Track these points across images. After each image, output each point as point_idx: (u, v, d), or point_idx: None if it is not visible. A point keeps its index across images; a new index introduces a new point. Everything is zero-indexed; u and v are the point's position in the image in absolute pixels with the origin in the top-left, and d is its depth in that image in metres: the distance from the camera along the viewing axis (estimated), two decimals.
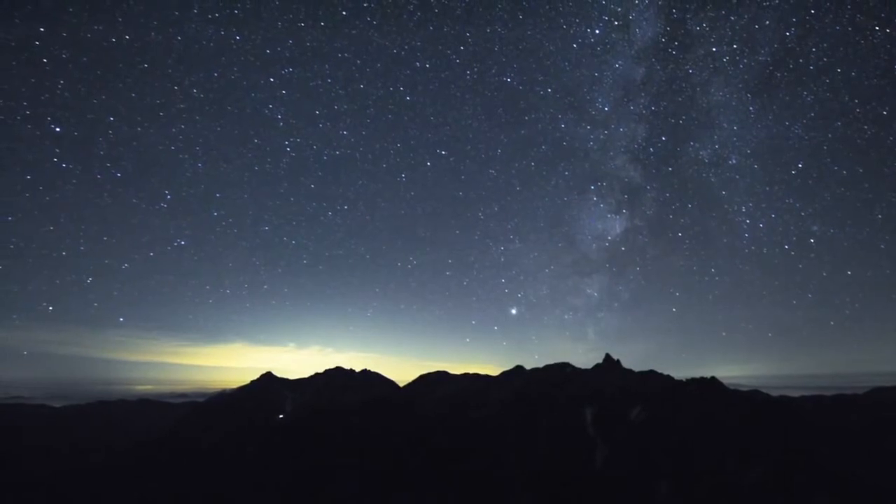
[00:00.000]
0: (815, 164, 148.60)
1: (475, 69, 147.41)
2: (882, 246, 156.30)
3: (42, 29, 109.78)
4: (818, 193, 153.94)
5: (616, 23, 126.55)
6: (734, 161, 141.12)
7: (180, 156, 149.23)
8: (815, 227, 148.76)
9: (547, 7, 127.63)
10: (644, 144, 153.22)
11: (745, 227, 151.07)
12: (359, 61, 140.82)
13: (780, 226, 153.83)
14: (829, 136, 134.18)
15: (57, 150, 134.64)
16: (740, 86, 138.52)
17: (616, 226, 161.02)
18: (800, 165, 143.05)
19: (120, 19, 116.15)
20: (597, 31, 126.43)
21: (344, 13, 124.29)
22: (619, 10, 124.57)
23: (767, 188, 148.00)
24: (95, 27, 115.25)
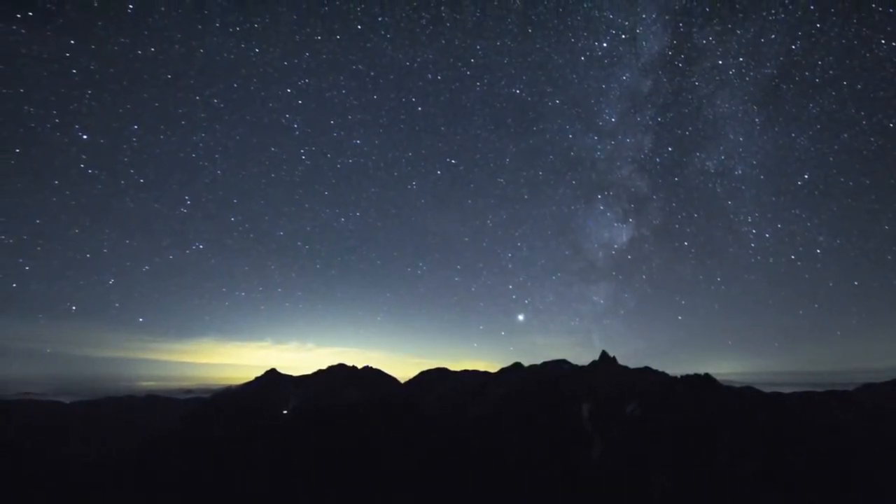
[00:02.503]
0: (821, 175, 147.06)
1: (485, 81, 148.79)
2: (889, 257, 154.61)
3: (72, 42, 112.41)
4: (824, 204, 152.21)
5: (623, 36, 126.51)
6: (740, 172, 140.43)
7: (200, 163, 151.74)
8: (821, 238, 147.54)
9: (556, 21, 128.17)
10: (650, 155, 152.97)
11: (751, 236, 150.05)
12: (372, 73, 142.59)
13: (786, 236, 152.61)
14: (836, 147, 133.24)
15: (83, 157, 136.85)
16: (746, 98, 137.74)
17: (622, 234, 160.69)
18: (806, 176, 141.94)
19: (146, 32, 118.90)
20: (604, 45, 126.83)
21: (359, 27, 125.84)
22: (627, 23, 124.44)
23: (773, 198, 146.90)
24: (122, 40, 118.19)
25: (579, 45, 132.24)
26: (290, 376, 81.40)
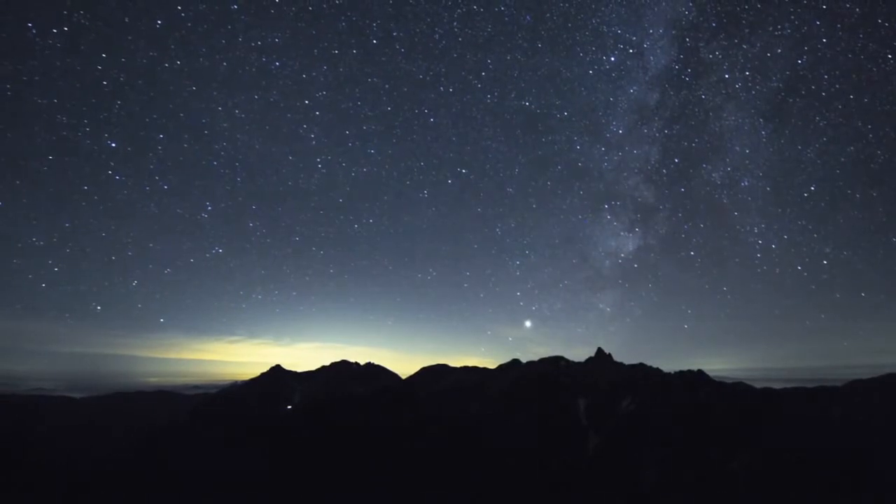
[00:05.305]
0: (827, 188, 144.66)
1: (495, 93, 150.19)
2: None
3: (104, 55, 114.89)
4: (831, 216, 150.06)
5: (631, 51, 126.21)
6: (746, 183, 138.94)
7: (221, 170, 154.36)
8: (827, 249, 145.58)
9: (564, 36, 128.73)
10: (657, 166, 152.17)
11: (757, 247, 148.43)
12: (387, 85, 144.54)
13: (792, 247, 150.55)
14: (842, 160, 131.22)
15: (112, 164, 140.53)
16: (752, 111, 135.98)
17: (629, 244, 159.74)
18: (812, 188, 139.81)
19: (172, 46, 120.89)
20: (612, 59, 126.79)
21: (374, 41, 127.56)
22: (634, 38, 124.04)
23: (780, 210, 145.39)
24: (151, 53, 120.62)
25: (587, 59, 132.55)
26: (294, 372, 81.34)
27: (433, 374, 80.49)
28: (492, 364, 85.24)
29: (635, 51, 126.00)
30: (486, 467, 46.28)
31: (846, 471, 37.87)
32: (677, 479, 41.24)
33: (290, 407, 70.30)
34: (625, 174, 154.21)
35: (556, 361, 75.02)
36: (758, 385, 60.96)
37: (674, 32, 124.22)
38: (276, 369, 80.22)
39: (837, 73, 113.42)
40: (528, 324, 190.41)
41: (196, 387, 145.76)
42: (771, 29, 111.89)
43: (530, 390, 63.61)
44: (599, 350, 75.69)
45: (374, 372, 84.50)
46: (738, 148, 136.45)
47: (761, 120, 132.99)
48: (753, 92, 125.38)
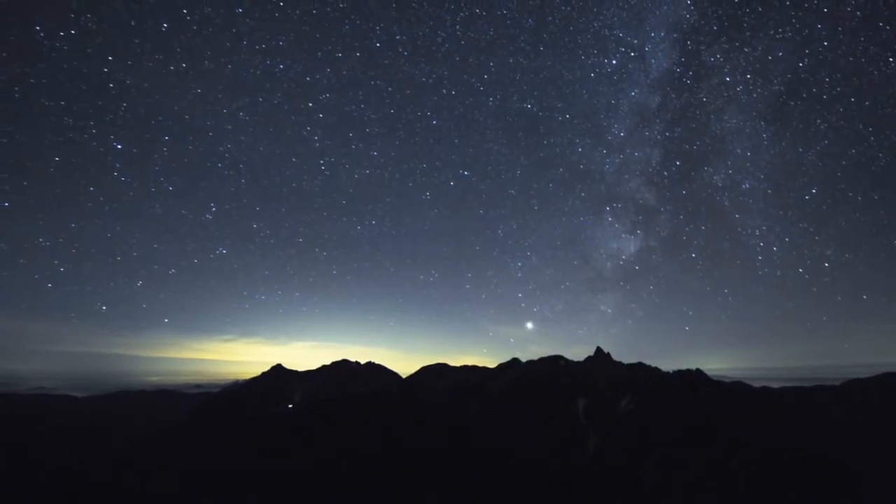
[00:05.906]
0: (829, 190, 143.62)
1: (497, 96, 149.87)
2: None
3: (110, 58, 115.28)
4: (832, 219, 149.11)
5: (632, 54, 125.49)
6: (747, 186, 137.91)
7: (226, 172, 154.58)
8: (829, 252, 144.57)
9: (566, 39, 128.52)
10: (658, 168, 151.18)
11: (758, 249, 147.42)
12: (390, 88, 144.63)
13: (793, 249, 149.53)
14: (844, 163, 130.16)
15: (117, 165, 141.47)
16: (754, 114, 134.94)
17: (630, 245, 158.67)
18: (813, 191, 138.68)
19: (178, 49, 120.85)
20: (614, 62, 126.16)
21: (378, 45, 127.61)
22: (636, 41, 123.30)
23: (781, 212, 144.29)
24: (157, 56, 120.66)
25: (589, 62, 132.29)
26: (295, 371, 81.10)
27: (433, 374, 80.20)
28: (492, 363, 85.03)
29: (637, 54, 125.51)
30: (486, 467, 46.00)
31: (846, 471, 37.64)
32: (677, 479, 40.98)
33: (290, 406, 70.06)
34: (626, 176, 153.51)
35: (556, 361, 74.73)
36: (756, 385, 60.80)
37: (675, 35, 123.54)
38: (277, 368, 79.96)
39: (838, 75, 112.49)
40: (529, 325, 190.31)
41: (198, 386, 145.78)
42: (772, 32, 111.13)
43: (530, 390, 63.35)
44: (598, 349, 75.35)
45: (375, 371, 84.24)
46: (739, 150, 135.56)
47: (762, 123, 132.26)
48: (754, 95, 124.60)
